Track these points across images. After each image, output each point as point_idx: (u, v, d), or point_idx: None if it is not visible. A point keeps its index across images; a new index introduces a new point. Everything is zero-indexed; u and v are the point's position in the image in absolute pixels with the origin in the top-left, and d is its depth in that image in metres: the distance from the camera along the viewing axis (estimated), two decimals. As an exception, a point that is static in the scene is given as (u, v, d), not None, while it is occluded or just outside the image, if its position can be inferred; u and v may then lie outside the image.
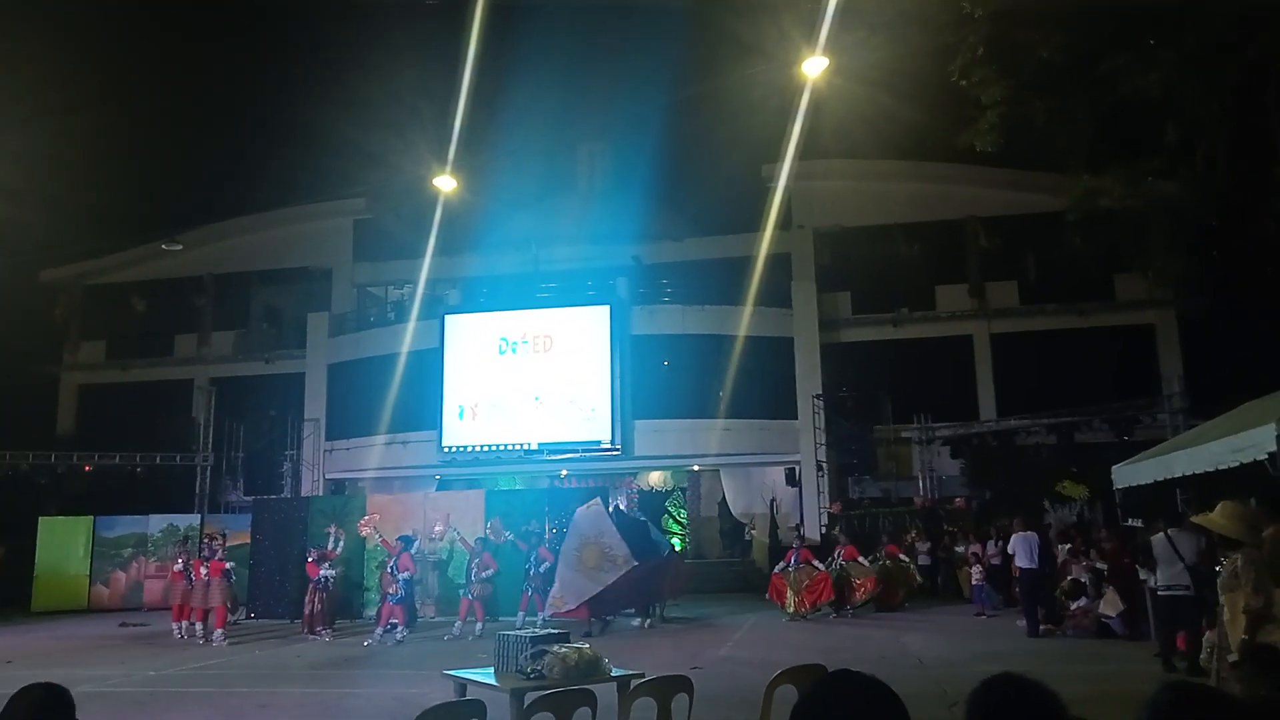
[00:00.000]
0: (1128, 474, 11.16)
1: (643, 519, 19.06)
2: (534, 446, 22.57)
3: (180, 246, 26.71)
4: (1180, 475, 9.52)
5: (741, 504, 24.56)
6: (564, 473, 24.03)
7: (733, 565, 23.47)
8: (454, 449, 22.94)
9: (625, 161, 28.35)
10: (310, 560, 15.50)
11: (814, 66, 13.55)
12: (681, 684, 5.92)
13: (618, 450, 22.28)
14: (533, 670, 6.22)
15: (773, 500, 23.65)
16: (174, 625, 15.47)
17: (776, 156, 22.20)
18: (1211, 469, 8.54)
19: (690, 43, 25.89)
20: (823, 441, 22.33)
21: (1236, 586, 5.87)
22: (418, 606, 15.63)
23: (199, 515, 22.38)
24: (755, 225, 23.52)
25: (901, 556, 17.80)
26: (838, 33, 11.93)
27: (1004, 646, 12.11)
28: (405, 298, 26.28)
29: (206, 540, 16.56)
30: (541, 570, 14.93)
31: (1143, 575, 11.40)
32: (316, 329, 25.94)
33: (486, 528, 16.30)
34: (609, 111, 30.30)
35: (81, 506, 21.71)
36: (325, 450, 24.92)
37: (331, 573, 15.31)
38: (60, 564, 20.74)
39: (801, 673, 5.62)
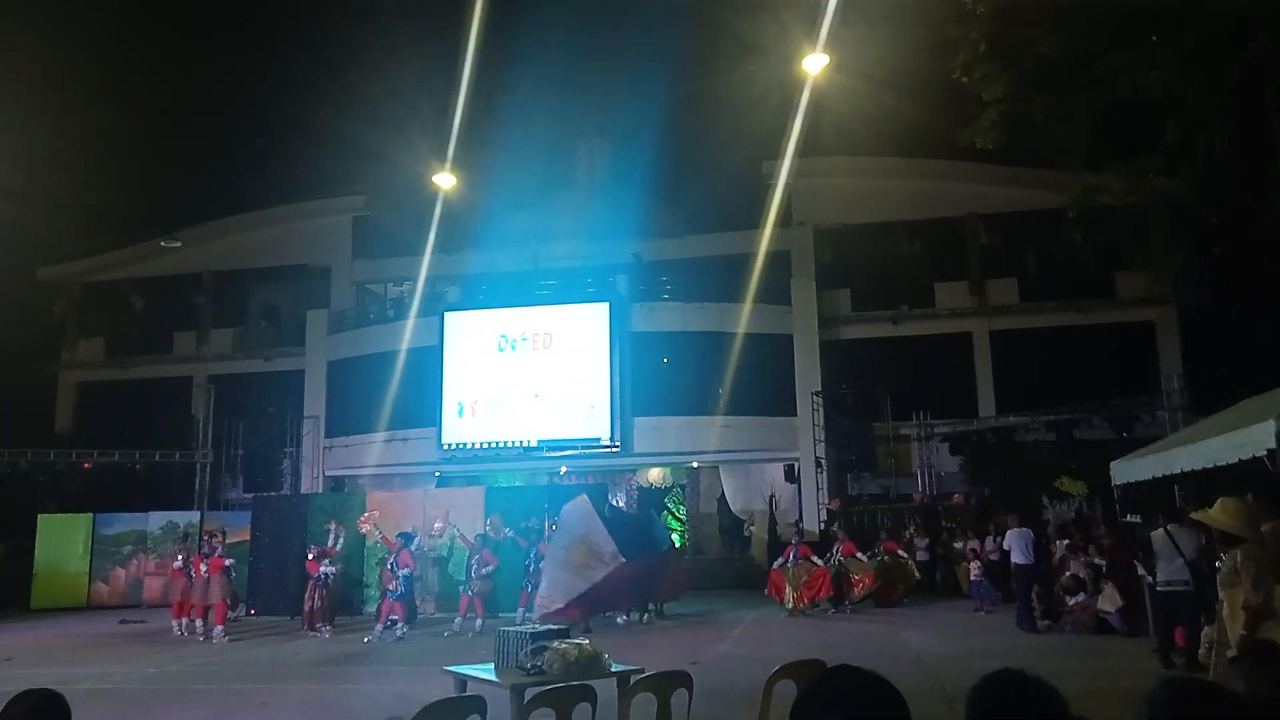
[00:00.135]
0: (1127, 470, 11.17)
1: (641, 516, 19.08)
2: (533, 443, 22.57)
3: (179, 244, 26.76)
4: (1179, 472, 9.54)
5: (741, 501, 24.58)
6: (563, 470, 24.04)
7: (732, 562, 23.49)
8: (454, 446, 22.94)
9: (625, 158, 28.35)
10: (310, 557, 15.50)
11: (814, 63, 13.56)
12: (681, 679, 5.93)
13: (617, 447, 22.29)
14: (533, 666, 6.24)
15: (772, 497, 23.68)
16: (174, 622, 15.47)
17: (777, 153, 22.20)
18: (1211, 465, 8.56)
19: (690, 39, 25.90)
20: (822, 438, 22.34)
21: (1236, 582, 5.88)
22: (418, 603, 15.64)
23: (198, 512, 22.39)
24: (755, 222, 23.51)
25: (900, 553, 17.83)
26: (838, 29, 11.93)
27: (1002, 642, 12.13)
28: (405, 295, 26.27)
29: (206, 537, 16.55)
30: (541, 567, 14.92)
31: (1140, 571, 11.42)
32: (315, 326, 25.93)
33: (486, 524, 16.30)
34: (609, 108, 30.25)
35: (81, 504, 21.71)
36: (325, 447, 24.93)
37: (331, 570, 15.33)
38: (60, 561, 20.74)
39: (801, 668, 5.63)
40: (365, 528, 16.66)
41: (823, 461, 22.22)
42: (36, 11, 26.04)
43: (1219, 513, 6.39)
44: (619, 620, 15.20)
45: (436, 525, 17.02)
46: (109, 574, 21.01)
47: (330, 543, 15.67)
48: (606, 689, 5.98)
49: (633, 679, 6.10)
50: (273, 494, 22.11)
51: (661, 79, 28.44)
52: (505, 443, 22.68)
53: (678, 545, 22.20)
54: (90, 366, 28.28)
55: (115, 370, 27.88)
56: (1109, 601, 12.52)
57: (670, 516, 26.37)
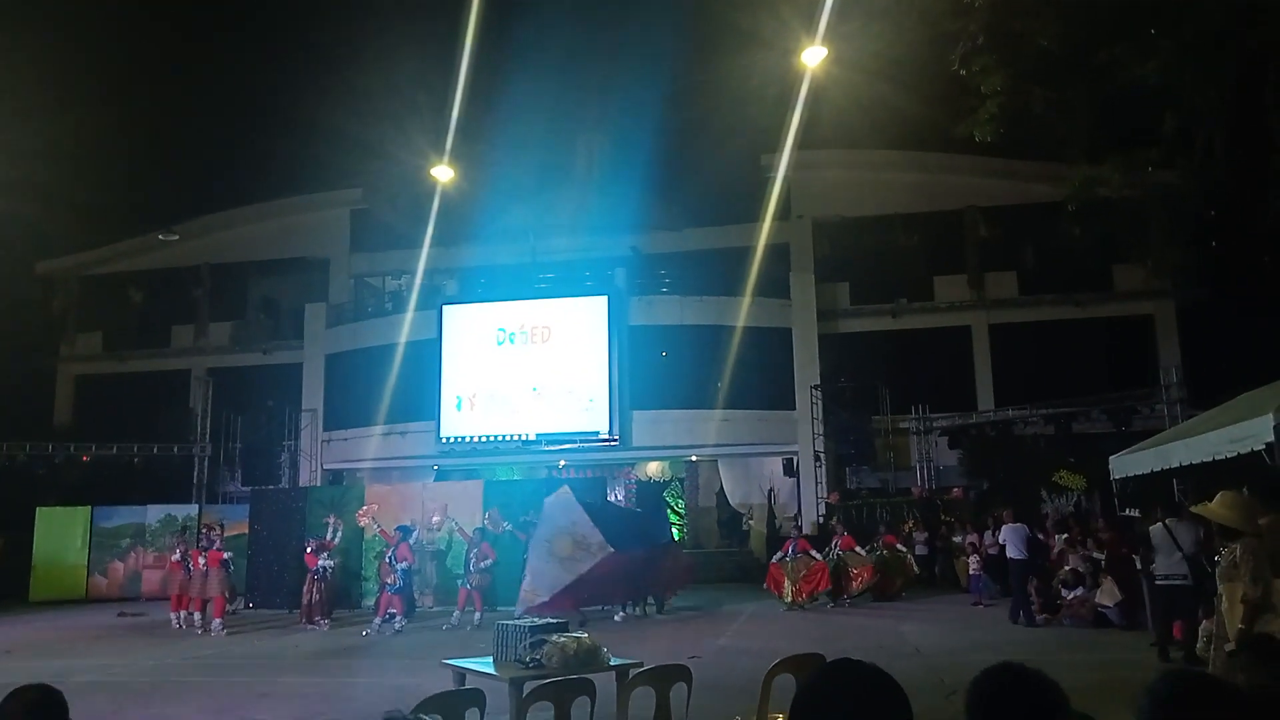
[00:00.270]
0: (1125, 464, 11.18)
1: (638, 510, 19.06)
2: (532, 437, 22.57)
3: (177, 237, 26.70)
4: (1178, 465, 9.56)
5: (739, 494, 24.60)
6: (562, 463, 24.03)
7: (730, 555, 23.51)
8: (452, 439, 22.93)
9: (623, 152, 28.23)
10: (308, 550, 15.50)
11: (813, 56, 13.54)
12: (680, 673, 5.94)
13: (616, 441, 22.29)
14: (531, 659, 6.24)
15: (770, 490, 23.68)
16: (172, 615, 15.49)
17: (775, 146, 22.17)
18: (1209, 459, 8.57)
19: (689, 32, 25.81)
20: (820, 432, 22.34)
21: (1235, 576, 5.88)
22: (416, 596, 15.65)
23: (197, 505, 22.38)
24: (753, 215, 23.50)
25: (899, 546, 17.83)
26: (836, 21, 11.91)
27: (1001, 636, 12.16)
28: (403, 288, 26.22)
29: (204, 530, 16.56)
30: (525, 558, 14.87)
31: (1139, 565, 11.43)
32: (314, 319, 25.90)
33: (485, 518, 16.29)
34: (607, 101, 30.16)
35: (79, 497, 21.72)
36: (323, 441, 24.92)
37: (330, 563, 15.34)
38: (58, 554, 20.76)
39: (799, 662, 5.63)
40: (364, 521, 16.66)
41: (821, 455, 22.22)
42: (35, 6, 25.94)
43: (1218, 506, 6.39)
44: (616, 618, 15.15)
45: (435, 519, 17.04)
46: (107, 567, 21.02)
47: (329, 536, 15.68)
48: (605, 682, 5.98)
49: (632, 672, 6.11)
50: (271, 487, 22.12)
51: (660, 72, 28.32)
52: (504, 436, 22.68)
53: (677, 539, 22.20)
54: (89, 359, 28.26)
55: (114, 363, 27.86)
56: (1107, 595, 12.54)
57: (669, 510, 26.38)
